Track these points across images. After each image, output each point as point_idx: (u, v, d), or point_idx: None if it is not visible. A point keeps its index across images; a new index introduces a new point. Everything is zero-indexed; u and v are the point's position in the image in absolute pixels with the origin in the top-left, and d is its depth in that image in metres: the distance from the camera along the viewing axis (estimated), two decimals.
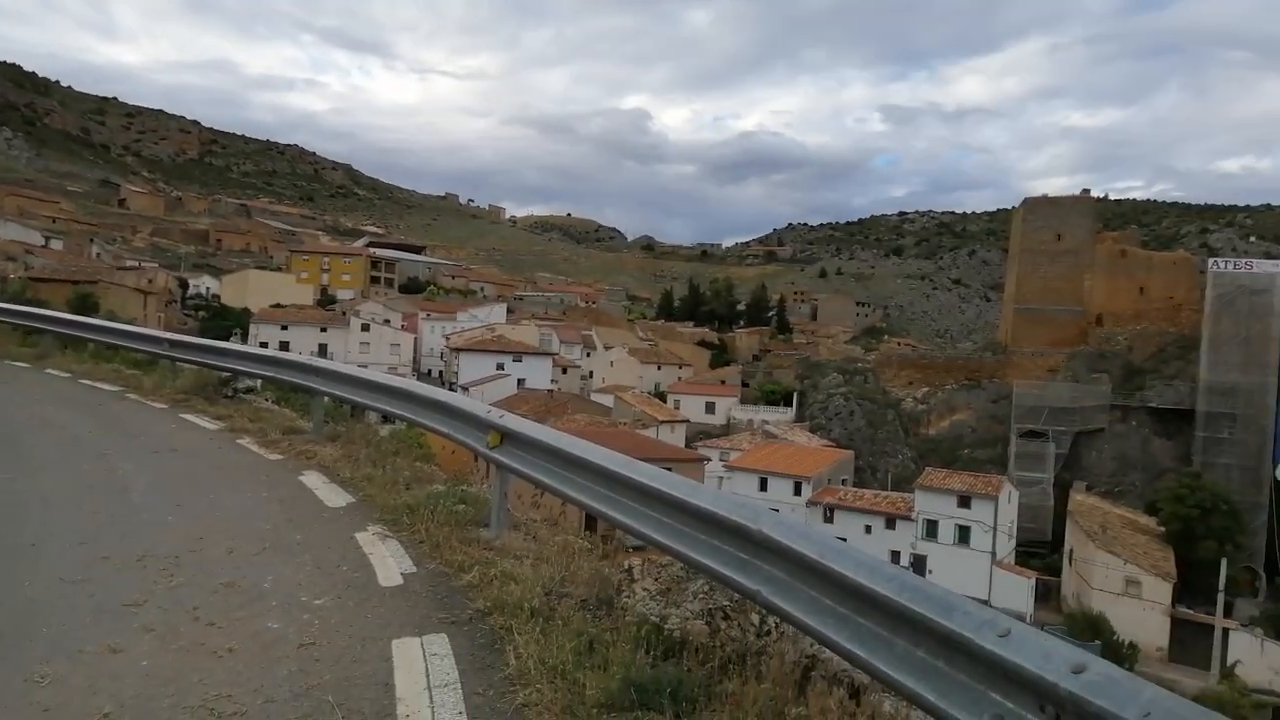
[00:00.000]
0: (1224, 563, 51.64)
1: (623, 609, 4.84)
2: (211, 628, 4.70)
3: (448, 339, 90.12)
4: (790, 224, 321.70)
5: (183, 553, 5.91)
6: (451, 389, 68.85)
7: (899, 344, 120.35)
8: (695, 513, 4.12)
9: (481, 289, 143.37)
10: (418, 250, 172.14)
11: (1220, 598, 49.78)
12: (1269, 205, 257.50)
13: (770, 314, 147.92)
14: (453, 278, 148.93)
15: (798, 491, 59.83)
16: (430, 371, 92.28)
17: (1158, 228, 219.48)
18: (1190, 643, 49.45)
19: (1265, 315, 72.26)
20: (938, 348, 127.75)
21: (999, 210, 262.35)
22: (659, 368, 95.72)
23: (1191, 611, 51.45)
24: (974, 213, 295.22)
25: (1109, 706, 2.10)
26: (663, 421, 67.24)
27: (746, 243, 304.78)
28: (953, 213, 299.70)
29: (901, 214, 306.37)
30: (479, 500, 7.17)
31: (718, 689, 3.88)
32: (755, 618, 4.47)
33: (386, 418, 10.06)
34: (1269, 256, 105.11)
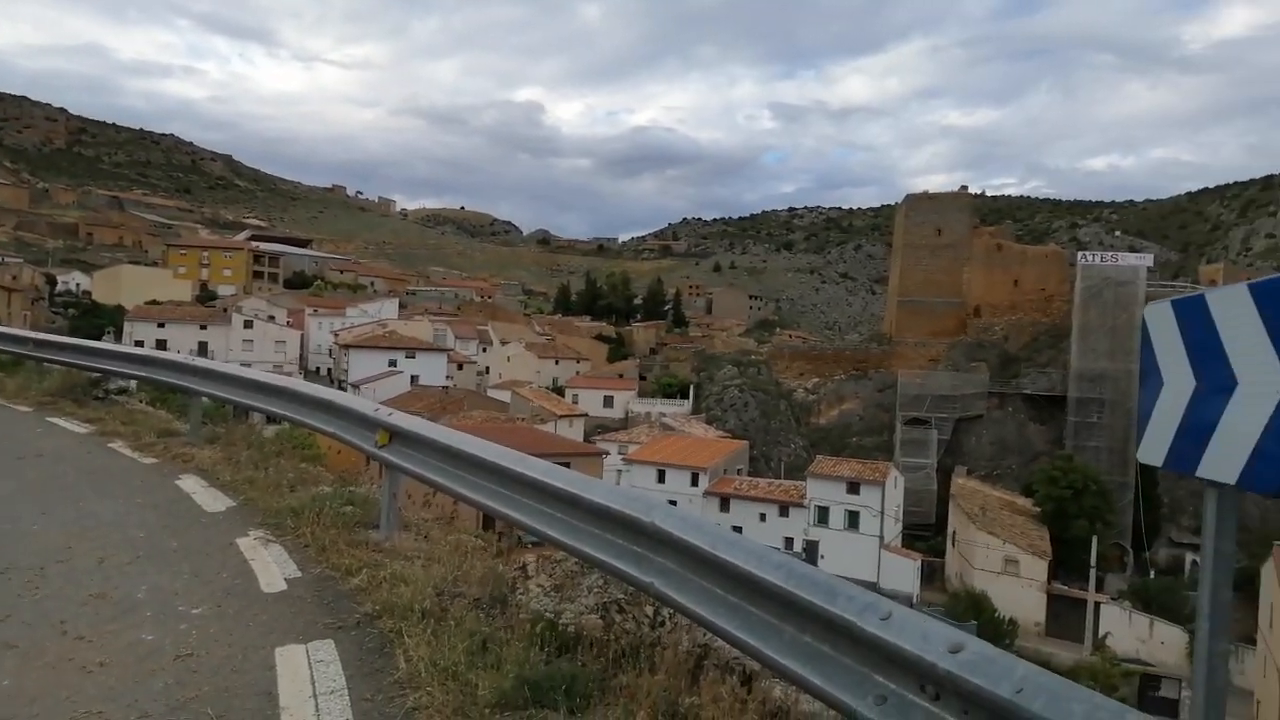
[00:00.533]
0: (1095, 540, 54.71)
1: (517, 606, 4.79)
2: (81, 642, 4.45)
3: (336, 336, 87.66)
4: (685, 219, 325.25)
5: (49, 564, 5.58)
6: (341, 387, 67.13)
7: (790, 336, 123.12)
8: (589, 508, 4.11)
9: (372, 284, 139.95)
10: (303, 244, 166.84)
11: (1092, 574, 52.73)
12: (1132, 201, 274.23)
13: (666, 308, 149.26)
14: (341, 272, 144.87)
15: (695, 482, 60.57)
16: (319, 369, 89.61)
17: (1031, 223, 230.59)
18: (1065, 617, 52.24)
19: (1130, 305, 76.74)
20: (827, 340, 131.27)
21: (883, 206, 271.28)
22: (557, 362, 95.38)
23: (1066, 587, 54.31)
24: (860, 209, 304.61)
25: (984, 684, 2.19)
26: (561, 416, 67.07)
27: (642, 237, 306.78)
28: (840, 209, 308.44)
29: (791, 210, 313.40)
30: (368, 501, 6.99)
31: (612, 683, 3.88)
32: (649, 610, 4.49)
33: (272, 419, 9.72)
34: (1133, 250, 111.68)
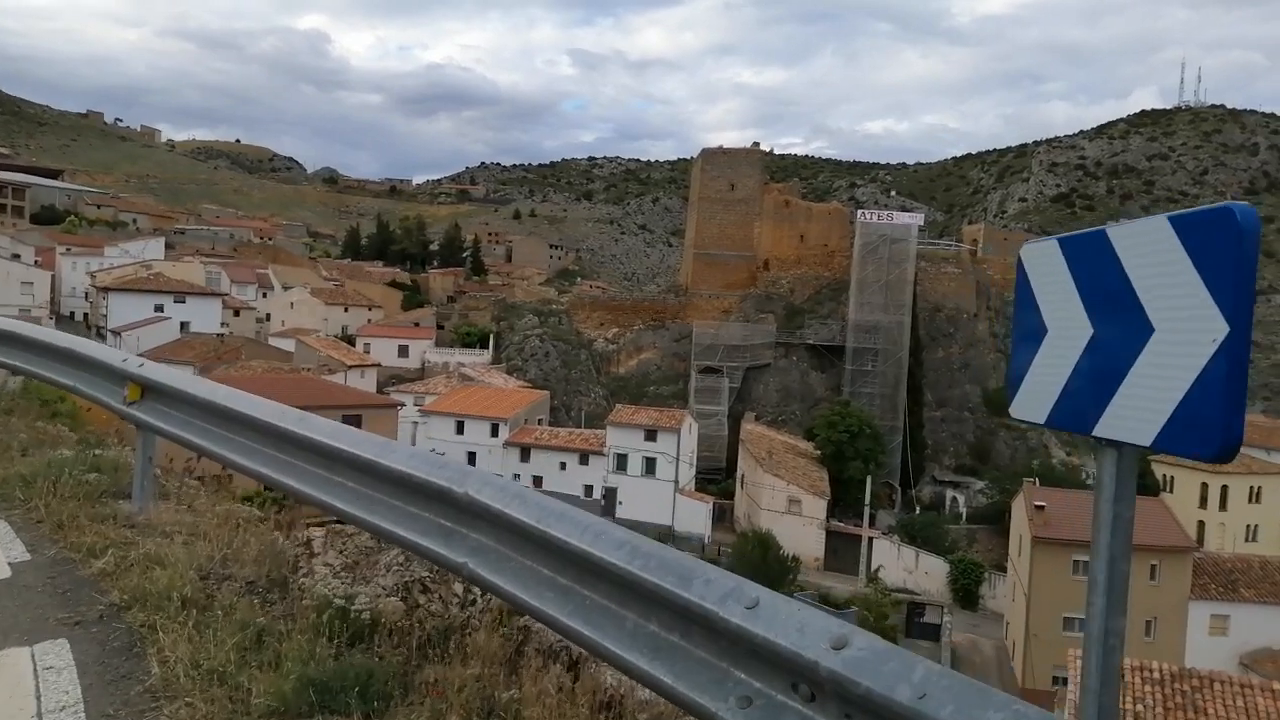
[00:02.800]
0: (869, 480, 58.81)
1: (300, 591, 4.11)
2: None
3: (94, 277, 79.24)
4: (483, 163, 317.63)
5: None
6: (101, 335, 60.89)
7: (591, 286, 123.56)
8: (387, 475, 3.49)
9: (134, 221, 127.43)
10: (53, 174, 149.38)
11: (866, 511, 56.70)
12: (904, 164, 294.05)
13: (465, 255, 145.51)
14: (98, 207, 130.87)
15: (495, 433, 59.79)
16: (74, 314, 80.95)
17: (815, 181, 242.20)
18: (842, 552, 56.01)
19: (902, 261, 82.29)
20: (626, 290, 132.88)
21: (680, 160, 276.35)
22: (346, 309, 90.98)
23: (843, 524, 58.17)
24: (658, 161, 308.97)
25: (877, 688, 1.84)
26: (351, 366, 64.03)
27: (438, 180, 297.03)
28: (639, 160, 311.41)
29: (591, 159, 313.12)
30: (119, 466, 5.98)
31: (417, 677, 3.34)
32: (459, 588, 3.96)
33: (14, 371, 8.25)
34: (904, 210, 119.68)
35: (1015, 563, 46.08)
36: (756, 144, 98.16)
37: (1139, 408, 1.95)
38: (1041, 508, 42.61)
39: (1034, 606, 40.42)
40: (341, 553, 4.28)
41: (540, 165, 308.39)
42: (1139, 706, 22.11)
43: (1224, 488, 61.60)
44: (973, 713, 1.72)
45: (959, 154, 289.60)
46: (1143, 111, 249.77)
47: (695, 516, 57.83)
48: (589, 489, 57.86)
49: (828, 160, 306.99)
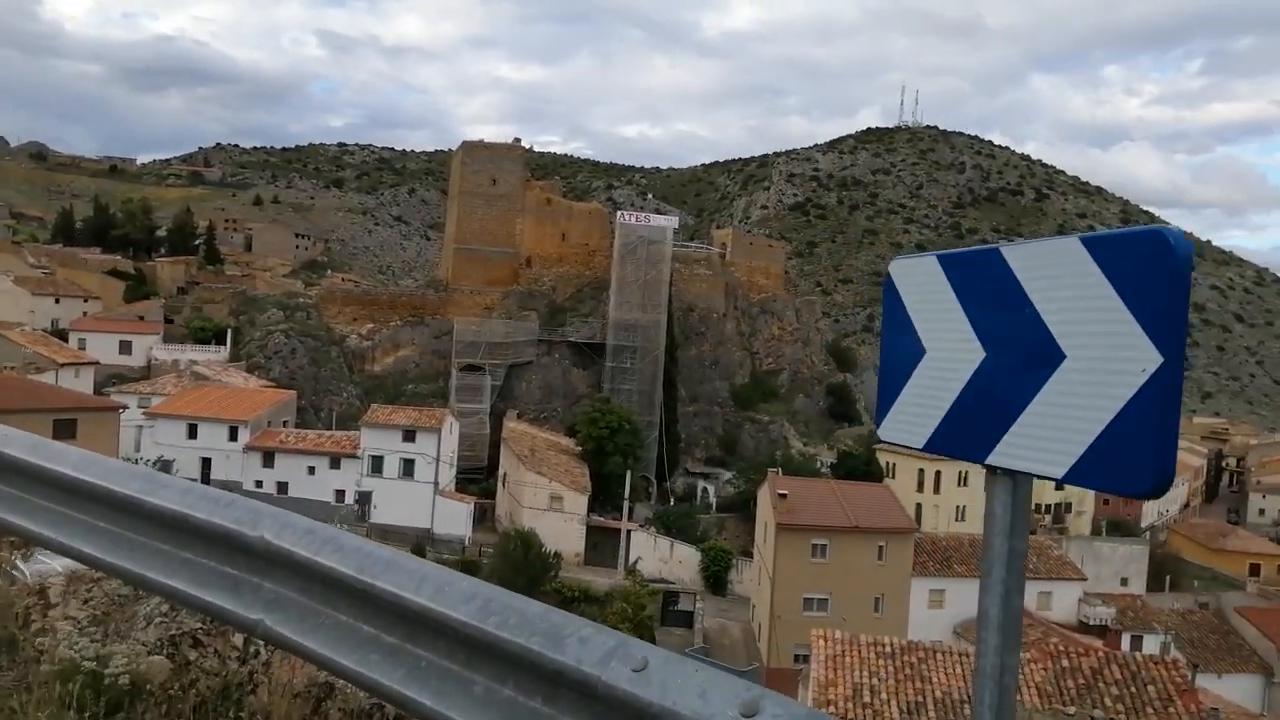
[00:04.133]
0: (628, 475, 60.17)
1: (37, 652, 3.35)
2: None
3: None
4: (219, 144, 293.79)
5: None
6: None
7: (342, 279, 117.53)
8: (157, 516, 2.88)
9: None
10: None
11: (625, 505, 57.97)
12: (658, 168, 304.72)
13: (198, 242, 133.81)
14: None
15: (234, 437, 55.55)
16: None
17: (575, 180, 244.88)
18: (602, 545, 56.91)
19: (659, 262, 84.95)
20: (381, 284, 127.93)
21: (437, 151, 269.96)
22: (58, 300, 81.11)
23: (602, 519, 59.14)
24: (413, 151, 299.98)
25: None
26: (64, 364, 57.06)
27: (167, 160, 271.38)
28: (393, 149, 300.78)
29: (341, 145, 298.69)
30: None
31: None
32: (239, 639, 3.38)
33: None
34: (659, 213, 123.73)
35: (760, 548, 48.79)
36: (518, 140, 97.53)
37: (1044, 438, 1.87)
38: (784, 496, 45.35)
39: (778, 589, 42.93)
40: (87, 603, 3.54)
41: (285, 149, 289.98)
42: (874, 680, 23.96)
43: (938, 473, 68.65)
44: None
45: (708, 161, 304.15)
46: (868, 129, 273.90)
47: (456, 518, 56.61)
48: (340, 494, 55.08)
49: (586, 160, 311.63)
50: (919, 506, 65.27)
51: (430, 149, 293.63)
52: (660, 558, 56.64)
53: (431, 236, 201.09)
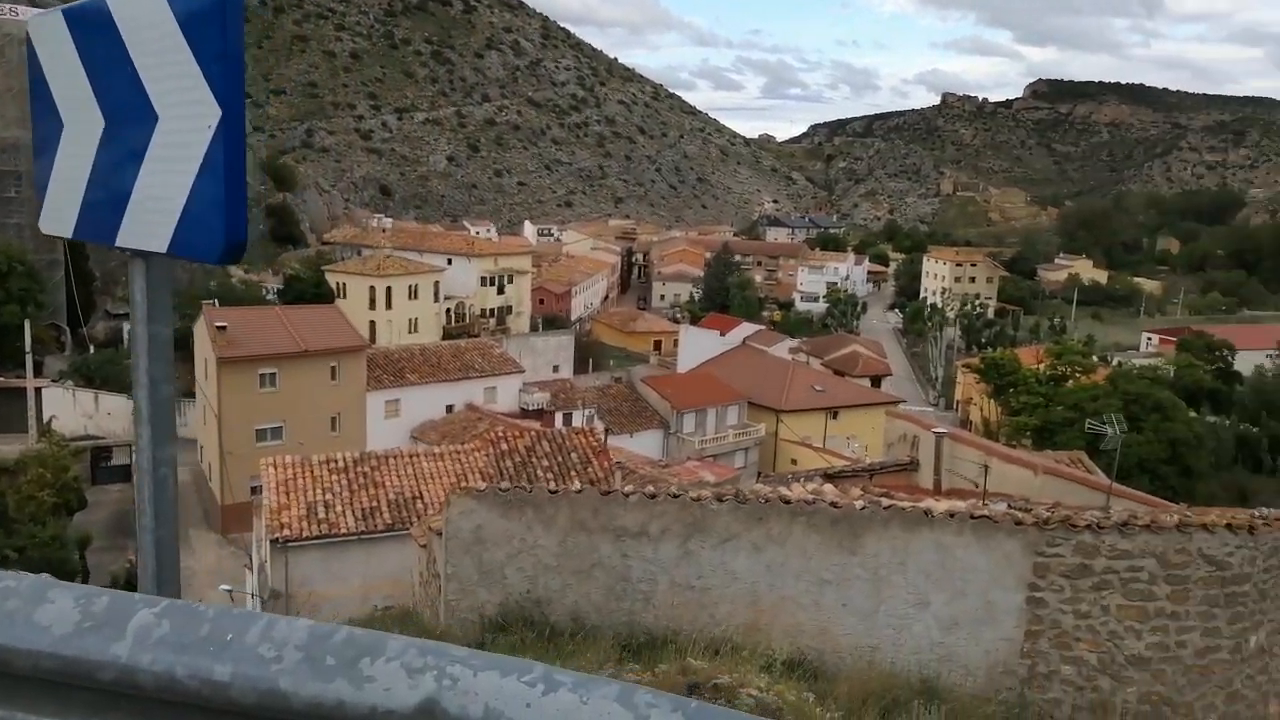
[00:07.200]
0: (28, 324, 51.24)
1: None
2: None
3: None
4: None
5: None
6: None
7: None
8: None
9: None
10: None
11: (29, 359, 49.64)
12: None
13: None
14: None
15: None
16: None
17: None
18: (6, 409, 48.55)
19: None
20: None
21: None
22: None
23: (4, 378, 50.31)
24: None
25: None
26: None
27: None
28: None
29: None
30: None
31: None
32: None
33: None
34: (33, 4, 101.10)
35: (203, 386, 45.80)
36: None
37: (153, 210, 1.71)
38: (223, 328, 42.66)
39: (226, 425, 41.04)
40: None
41: None
42: (328, 496, 24.39)
43: (389, 289, 69.69)
44: None
45: None
46: None
47: None
48: None
49: None
50: (372, 324, 66.00)
51: None
52: (84, 413, 50.33)
53: None
